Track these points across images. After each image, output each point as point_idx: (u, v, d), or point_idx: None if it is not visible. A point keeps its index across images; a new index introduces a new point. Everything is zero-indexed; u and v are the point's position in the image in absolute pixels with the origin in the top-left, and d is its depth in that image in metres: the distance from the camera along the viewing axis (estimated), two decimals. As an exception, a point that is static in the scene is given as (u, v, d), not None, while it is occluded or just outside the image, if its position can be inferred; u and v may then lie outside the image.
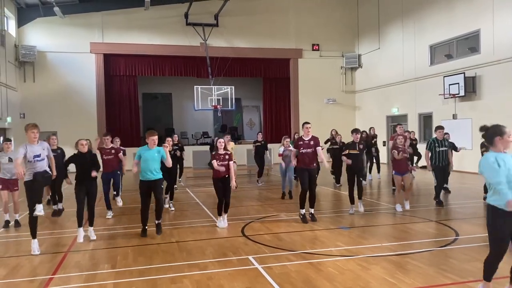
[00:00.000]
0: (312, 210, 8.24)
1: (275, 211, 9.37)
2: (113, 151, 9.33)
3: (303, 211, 8.17)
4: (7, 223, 8.29)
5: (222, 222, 7.94)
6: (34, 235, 6.37)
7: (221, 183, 7.82)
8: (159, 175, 7.34)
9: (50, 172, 6.70)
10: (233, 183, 7.82)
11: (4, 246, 6.99)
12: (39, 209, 6.14)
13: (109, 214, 9.10)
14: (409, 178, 9.33)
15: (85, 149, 7.09)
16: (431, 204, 9.73)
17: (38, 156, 6.34)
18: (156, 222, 7.42)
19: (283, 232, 7.37)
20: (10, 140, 8.68)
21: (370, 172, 14.41)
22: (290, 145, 11.07)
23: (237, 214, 9.00)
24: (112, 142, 9.72)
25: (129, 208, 10.15)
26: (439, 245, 6.35)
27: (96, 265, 5.76)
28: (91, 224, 7.09)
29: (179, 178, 13.21)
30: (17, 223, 8.32)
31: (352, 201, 8.87)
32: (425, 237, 6.91)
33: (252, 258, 5.85)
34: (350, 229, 7.56)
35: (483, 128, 4.22)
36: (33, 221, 6.31)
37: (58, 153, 9.27)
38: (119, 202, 9.20)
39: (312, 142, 8.11)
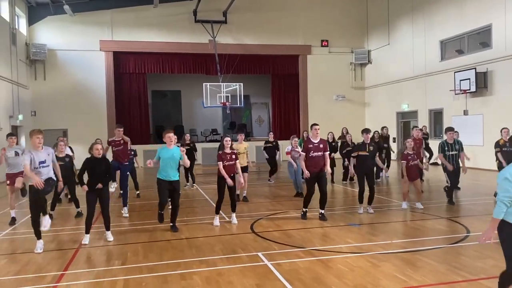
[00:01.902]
0: (322, 211, 8.10)
1: (284, 208, 9.36)
2: (122, 141, 9.29)
3: (305, 209, 8.23)
4: (13, 220, 8.36)
5: (217, 220, 7.83)
6: (38, 236, 6.35)
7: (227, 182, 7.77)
8: (177, 176, 7.33)
9: (55, 179, 6.54)
10: (241, 180, 7.75)
11: (16, 242, 7.08)
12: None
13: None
14: (419, 183, 9.18)
15: (100, 154, 6.81)
16: (442, 201, 9.64)
17: (44, 162, 6.27)
18: (171, 224, 7.42)
19: (292, 229, 7.36)
20: (14, 135, 8.63)
21: (388, 168, 14.28)
22: (298, 146, 11.03)
23: (247, 211, 9.01)
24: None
25: (139, 205, 10.22)
26: (450, 242, 6.30)
27: (107, 262, 5.81)
28: (108, 229, 6.94)
29: (189, 182, 13.10)
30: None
31: (361, 201, 8.72)
32: (436, 234, 6.86)
33: (262, 254, 5.85)
34: (360, 226, 7.54)
35: None
36: (35, 224, 6.25)
37: (66, 162, 8.62)
38: (125, 213, 8.89)
39: (321, 146, 8.02)
